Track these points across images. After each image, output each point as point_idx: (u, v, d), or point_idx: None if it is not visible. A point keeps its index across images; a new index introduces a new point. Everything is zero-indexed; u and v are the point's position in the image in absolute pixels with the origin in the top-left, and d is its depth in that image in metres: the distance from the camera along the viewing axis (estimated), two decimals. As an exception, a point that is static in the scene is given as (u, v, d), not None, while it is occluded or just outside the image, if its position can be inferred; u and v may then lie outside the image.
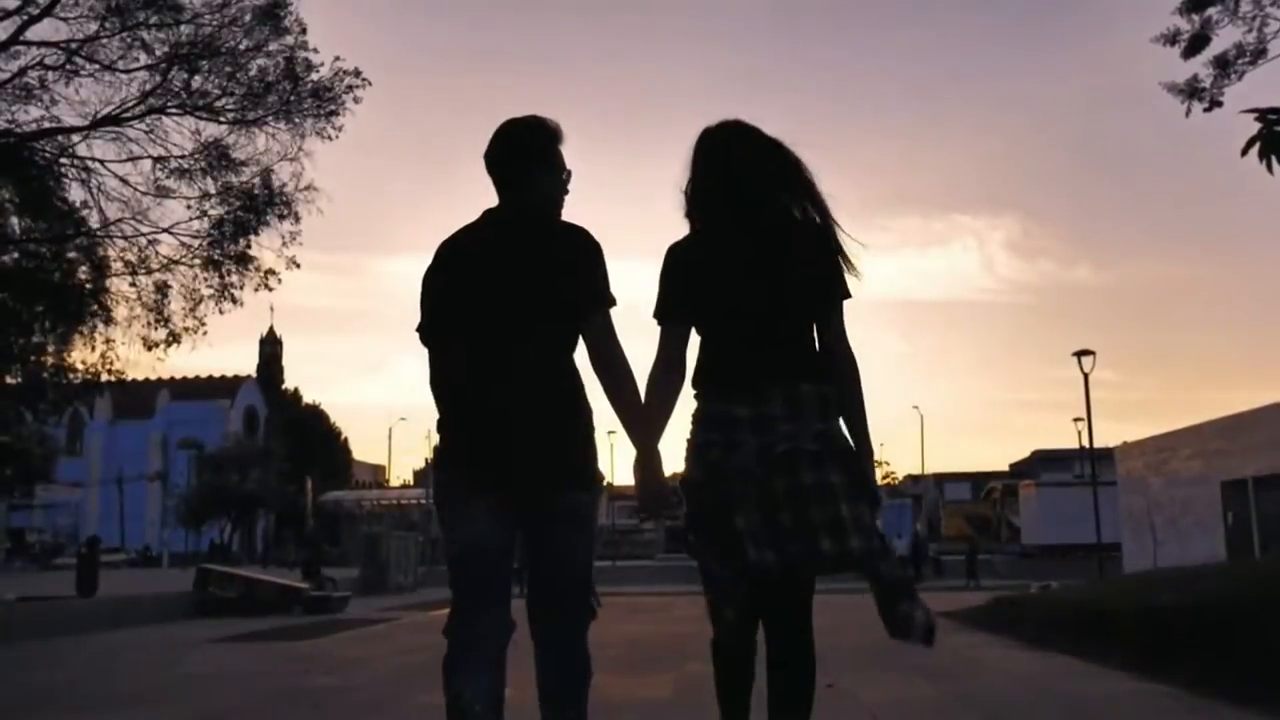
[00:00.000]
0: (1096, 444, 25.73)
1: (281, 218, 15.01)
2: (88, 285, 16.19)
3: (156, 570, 37.23)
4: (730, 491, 2.55)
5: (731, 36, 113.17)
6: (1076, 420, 39.87)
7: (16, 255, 16.70)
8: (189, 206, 14.99)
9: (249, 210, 14.83)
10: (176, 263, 15.20)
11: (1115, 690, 5.08)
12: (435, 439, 2.81)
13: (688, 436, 2.71)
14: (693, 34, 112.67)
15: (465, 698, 2.49)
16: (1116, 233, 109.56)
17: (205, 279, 15.21)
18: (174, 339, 15.17)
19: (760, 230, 2.71)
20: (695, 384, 2.74)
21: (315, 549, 25.84)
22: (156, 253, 15.40)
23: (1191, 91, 10.06)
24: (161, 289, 15.21)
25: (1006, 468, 66.06)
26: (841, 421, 2.69)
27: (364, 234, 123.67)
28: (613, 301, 2.68)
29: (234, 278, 15.35)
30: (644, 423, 2.65)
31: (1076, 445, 48.13)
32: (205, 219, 14.95)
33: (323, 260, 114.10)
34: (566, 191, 2.75)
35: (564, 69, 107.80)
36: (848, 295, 2.74)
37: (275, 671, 6.46)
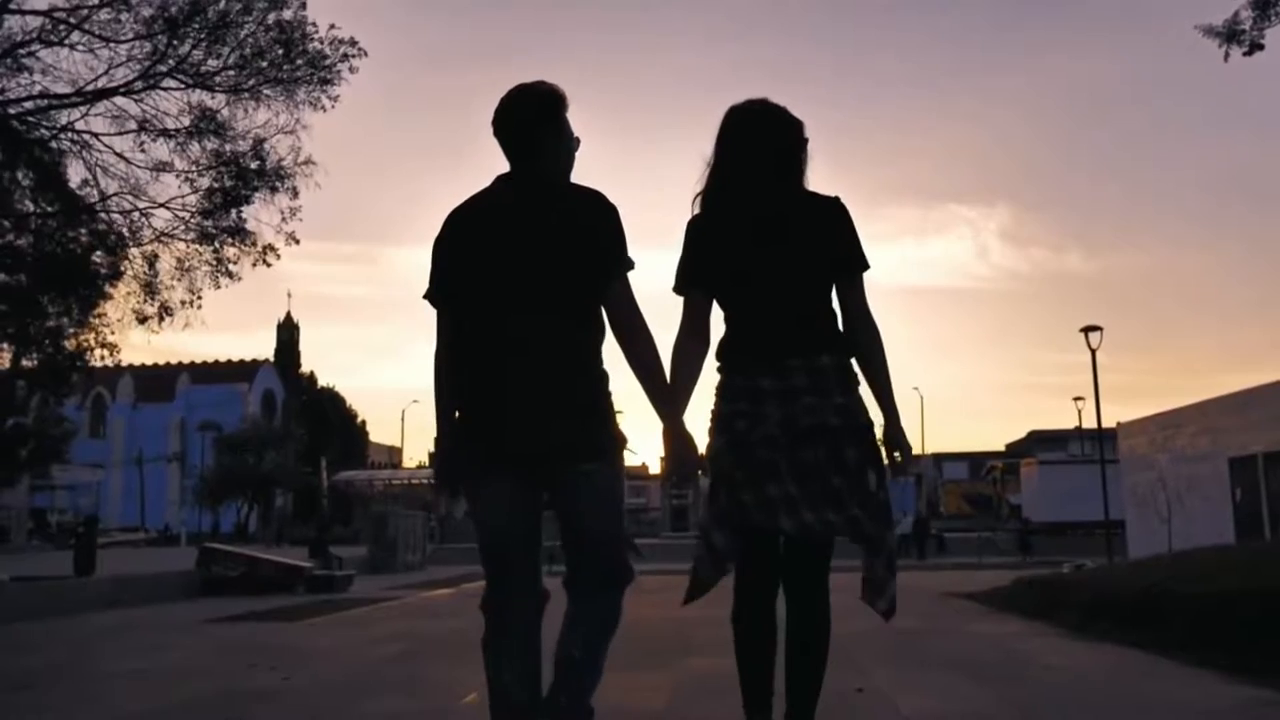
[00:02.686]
0: (1090, 424, 24.86)
1: (274, 190, 14.17)
2: (102, 269, 15.45)
3: (174, 549, 36.50)
4: (758, 460, 2.55)
5: (732, 29, 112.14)
6: (1077, 399, 38.92)
7: (31, 239, 15.96)
8: (177, 175, 14.16)
9: (238, 179, 13.94)
10: (169, 236, 14.36)
11: (1209, 696, 4.01)
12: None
13: (711, 408, 2.68)
14: (692, 27, 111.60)
15: (504, 681, 2.45)
16: (1106, 222, 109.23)
17: (199, 252, 14.40)
18: (166, 312, 14.34)
19: (777, 206, 2.68)
20: (719, 357, 2.71)
21: (323, 528, 25.04)
22: (149, 224, 14.58)
23: (1230, 34, 9.06)
24: (151, 261, 14.36)
25: (1003, 448, 65.59)
26: (862, 392, 2.66)
27: (380, 225, 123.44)
28: (631, 265, 2.56)
29: (230, 251, 14.56)
30: (668, 389, 2.56)
31: (1072, 426, 47.19)
32: (195, 192, 14.12)
33: (340, 250, 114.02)
34: (574, 159, 2.65)
35: (572, 62, 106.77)
36: (866, 266, 2.70)
37: (221, 667, 5.56)
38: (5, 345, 20.28)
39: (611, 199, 2.59)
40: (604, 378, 2.55)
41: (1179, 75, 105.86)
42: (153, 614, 10.47)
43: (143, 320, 14.66)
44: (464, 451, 2.53)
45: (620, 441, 2.54)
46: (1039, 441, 59.13)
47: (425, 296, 2.60)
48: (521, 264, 2.47)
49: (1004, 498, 48.33)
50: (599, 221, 2.54)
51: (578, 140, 2.63)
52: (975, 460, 62.65)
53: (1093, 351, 21.77)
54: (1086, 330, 21.82)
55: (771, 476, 2.54)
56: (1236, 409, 21.32)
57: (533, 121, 2.55)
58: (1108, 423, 24.41)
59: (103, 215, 15.04)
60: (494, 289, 2.49)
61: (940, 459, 64.58)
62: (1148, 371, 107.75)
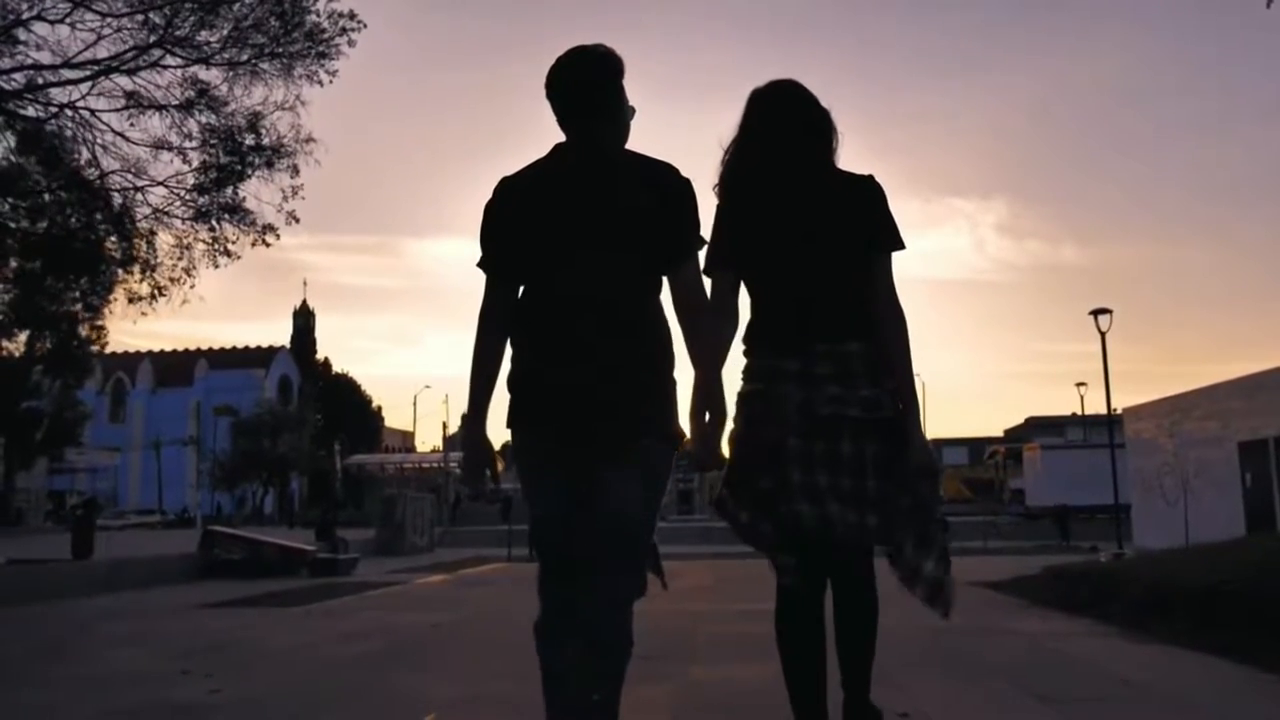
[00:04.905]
0: (1090, 410, 24.07)
1: (271, 166, 13.39)
2: (115, 254, 14.76)
3: (188, 531, 35.94)
4: (771, 442, 2.43)
5: (736, 28, 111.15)
6: (1080, 385, 38.03)
7: (46, 225, 15.27)
8: (172, 150, 13.41)
9: (234, 154, 13.15)
10: (166, 214, 13.59)
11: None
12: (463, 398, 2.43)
13: (738, 391, 2.57)
14: (695, 27, 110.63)
15: (556, 668, 2.22)
16: (1099, 215, 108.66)
17: (195, 231, 13.67)
18: (160, 292, 13.61)
19: (808, 185, 2.55)
20: (745, 340, 2.60)
21: (328, 510, 24.41)
22: (146, 202, 13.82)
23: (1277, -22, 8.15)
24: (149, 239, 13.62)
25: (1001, 433, 65.09)
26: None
27: (396, 216, 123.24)
28: (703, 244, 2.37)
29: (228, 230, 13.80)
30: (718, 373, 2.35)
31: (1069, 412, 46.32)
32: (191, 169, 13.34)
33: (357, 241, 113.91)
34: (629, 129, 2.40)
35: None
36: (899, 247, 2.55)
37: (158, 673, 4.77)
38: (17, 330, 19.71)
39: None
40: (670, 358, 2.32)
41: (1173, 73, 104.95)
42: (144, 600, 9.82)
43: (134, 301, 13.93)
44: (517, 430, 2.32)
45: (679, 431, 2.30)
46: (1037, 427, 58.51)
47: (479, 265, 2.37)
48: (585, 235, 2.26)
49: (1005, 483, 47.50)
50: (671, 196, 2.31)
51: (633, 109, 2.40)
52: (974, 446, 62.09)
53: (1103, 335, 20.93)
54: (1096, 313, 20.97)
55: (785, 461, 2.41)
56: (1246, 393, 20.57)
57: (594, 79, 2.33)
58: (1104, 409, 23.57)
59: (106, 197, 14.30)
60: (556, 260, 2.27)
61: (940, 445, 64.04)
62: (1140, 360, 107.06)
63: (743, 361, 2.60)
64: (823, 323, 2.48)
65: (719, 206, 2.62)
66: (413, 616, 7.27)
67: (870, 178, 2.57)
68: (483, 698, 3.95)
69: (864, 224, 2.51)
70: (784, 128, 2.56)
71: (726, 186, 2.63)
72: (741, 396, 2.55)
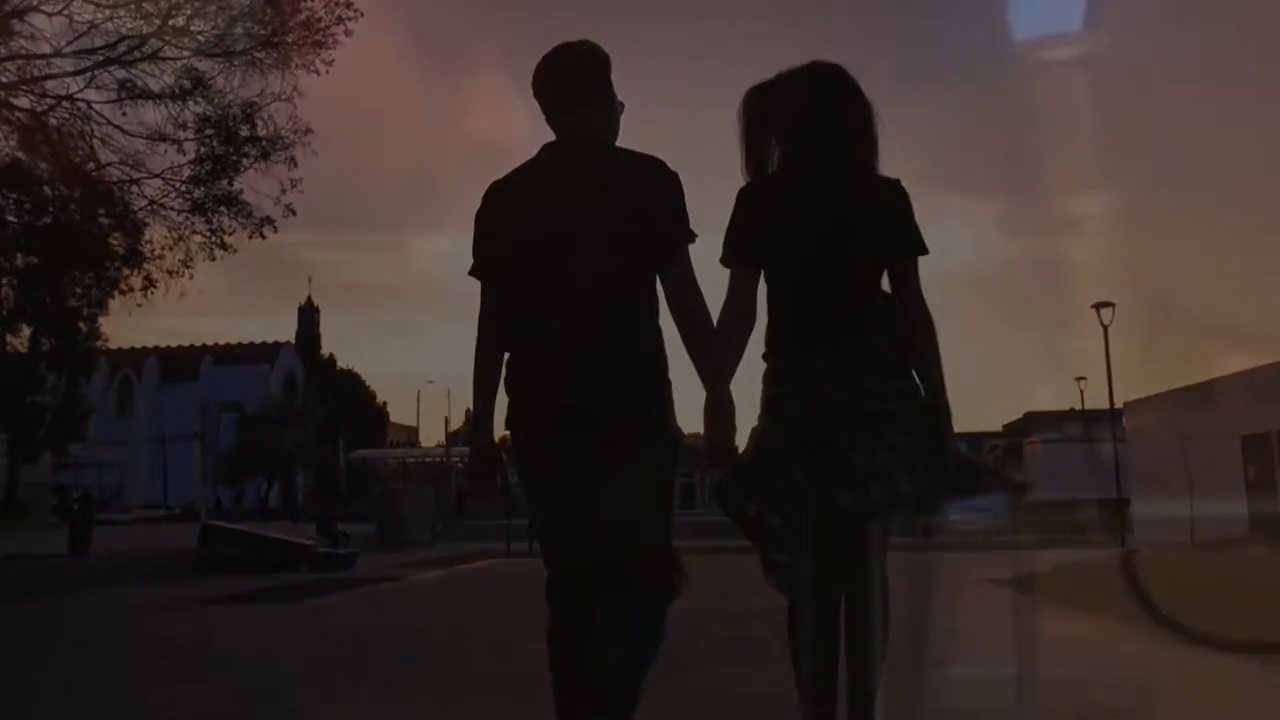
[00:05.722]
0: (1089, 405, 23.89)
1: (265, 156, 13.13)
2: (119, 249, 14.53)
3: (193, 526, 35.79)
4: (812, 438, 2.38)
5: (735, 24, 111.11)
6: (1079, 379, 37.80)
7: (50, 219, 15.03)
8: (168, 141, 13.17)
9: (228, 144, 12.90)
10: (161, 205, 13.35)
11: None
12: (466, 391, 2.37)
13: (763, 394, 2.50)
14: (693, 22, 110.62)
15: (566, 675, 2.21)
16: (1098, 211, 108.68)
17: (191, 223, 13.42)
18: (151, 284, 13.36)
19: (842, 183, 2.46)
20: (768, 341, 2.52)
21: (328, 504, 24.18)
22: (142, 193, 13.58)
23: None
24: (139, 228, 13.38)
25: (1000, 428, 64.93)
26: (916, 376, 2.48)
27: (402, 214, 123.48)
28: (693, 238, 2.30)
29: (224, 221, 13.54)
30: (720, 371, 2.29)
31: (1068, 407, 46.06)
32: (187, 160, 13.09)
33: (362, 239, 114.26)
34: (619, 124, 2.39)
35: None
36: (924, 251, 2.53)
37: (111, 681, 4.51)
38: (21, 326, 19.47)
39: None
40: (661, 363, 2.27)
41: (1170, 68, 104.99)
42: (135, 597, 9.59)
43: (126, 292, 13.70)
44: (515, 435, 2.28)
45: (675, 432, 2.27)
46: (1035, 421, 58.25)
47: (471, 273, 2.35)
48: (574, 234, 2.22)
49: (1004, 476, 47.23)
50: (657, 190, 2.26)
51: (622, 105, 2.39)
52: (973, 440, 61.92)
53: (1105, 328, 20.76)
54: (1098, 306, 20.81)
55: (827, 453, 2.34)
56: (1248, 387, 20.49)
57: (579, 74, 2.31)
58: (1100, 403, 23.41)
59: (107, 191, 14.06)
60: (548, 262, 2.24)
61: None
62: (1137, 356, 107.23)
63: (766, 364, 2.53)
64: (852, 320, 2.45)
65: (744, 192, 2.51)
66: (400, 615, 7.05)
67: (896, 182, 2.52)
68: (457, 712, 3.66)
69: (890, 227, 2.47)
70: (824, 118, 2.47)
71: (756, 175, 2.54)
72: (772, 398, 2.48)
